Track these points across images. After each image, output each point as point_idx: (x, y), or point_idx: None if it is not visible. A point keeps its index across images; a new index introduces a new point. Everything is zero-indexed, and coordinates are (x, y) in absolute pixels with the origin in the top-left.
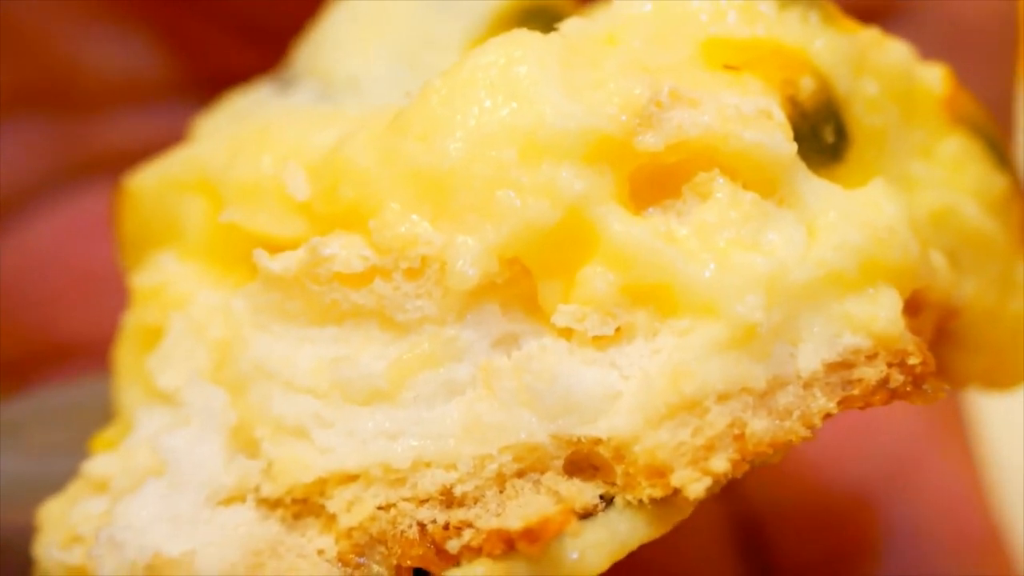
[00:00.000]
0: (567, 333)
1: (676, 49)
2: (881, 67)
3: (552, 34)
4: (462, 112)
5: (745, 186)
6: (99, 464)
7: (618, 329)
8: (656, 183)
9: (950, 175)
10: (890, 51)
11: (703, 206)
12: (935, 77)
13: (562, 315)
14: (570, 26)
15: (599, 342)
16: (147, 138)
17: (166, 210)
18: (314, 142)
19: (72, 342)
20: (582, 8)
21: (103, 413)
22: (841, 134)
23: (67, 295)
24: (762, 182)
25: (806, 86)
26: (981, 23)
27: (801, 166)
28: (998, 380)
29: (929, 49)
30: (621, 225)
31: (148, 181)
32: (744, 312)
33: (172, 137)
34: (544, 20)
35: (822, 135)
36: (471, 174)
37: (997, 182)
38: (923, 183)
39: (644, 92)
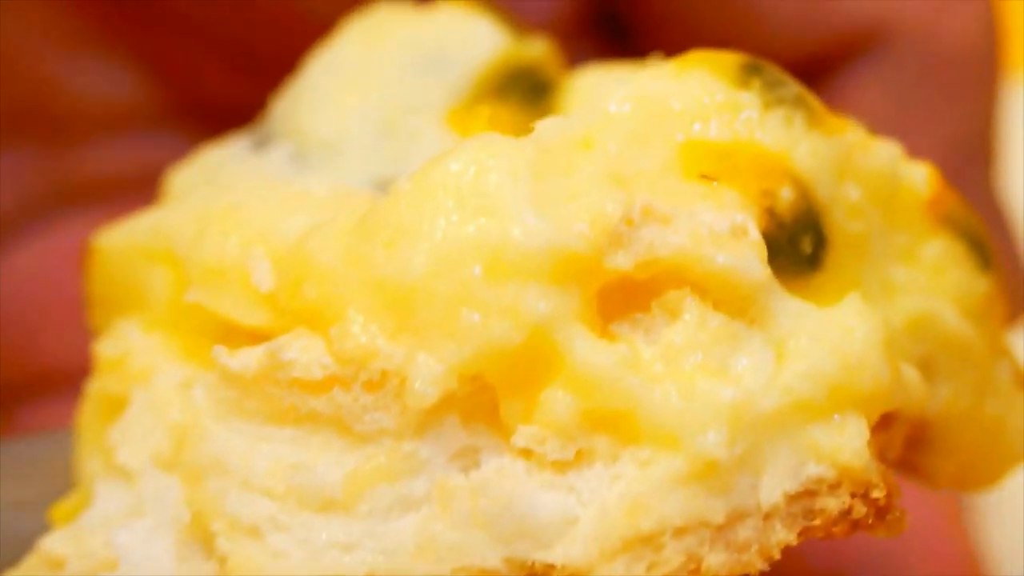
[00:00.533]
0: (527, 453)
1: (653, 153)
2: (865, 171)
3: (525, 139)
4: (429, 223)
5: (715, 306)
6: (55, 542)
7: (578, 452)
8: (625, 296)
9: (931, 279)
10: (875, 154)
11: (671, 327)
12: (920, 177)
13: (522, 436)
14: (546, 128)
15: (558, 465)
16: (133, 165)
17: (133, 276)
18: (282, 228)
19: (56, 369)
20: (565, 71)
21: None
22: (820, 243)
23: (51, 322)
24: (733, 302)
25: (785, 196)
26: (960, 54)
27: (774, 285)
28: (973, 481)
29: (907, 83)
30: (585, 350)
31: (116, 244)
32: (706, 447)
33: (157, 165)
34: (527, 86)
35: (800, 246)
36: (435, 290)
37: (978, 284)
38: (903, 289)
39: (616, 209)
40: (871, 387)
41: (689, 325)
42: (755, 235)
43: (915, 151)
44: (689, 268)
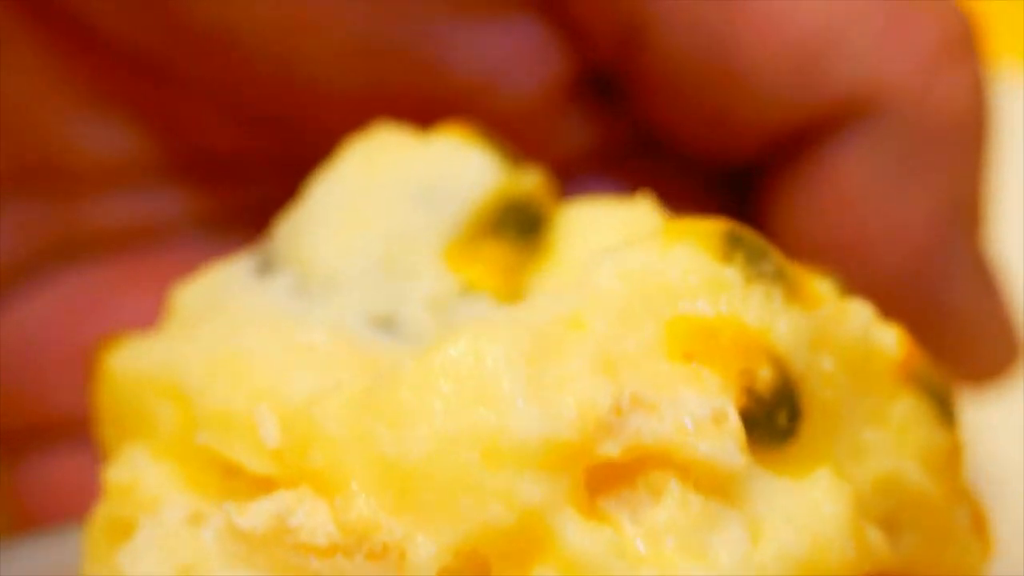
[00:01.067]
0: None
1: (641, 331)
2: (839, 341)
3: (521, 321)
4: (429, 408)
5: (696, 487)
6: None
7: None
8: (612, 473)
9: (898, 439)
10: (849, 322)
11: (655, 508)
12: (891, 340)
13: None
14: (539, 308)
15: None
16: (135, 219)
17: (142, 405)
18: (288, 384)
19: (60, 420)
20: (557, 203)
21: None
22: (795, 415)
23: (55, 373)
24: (713, 485)
25: (764, 375)
26: (950, 125)
27: (752, 467)
28: None
29: (895, 153)
30: (575, 533)
31: (127, 370)
32: None
33: (160, 218)
34: (520, 221)
35: (776, 420)
36: (434, 472)
37: (942, 439)
38: (872, 450)
39: (605, 400)
40: (837, 565)
41: (671, 507)
42: (735, 421)
43: (902, 221)
44: (673, 453)
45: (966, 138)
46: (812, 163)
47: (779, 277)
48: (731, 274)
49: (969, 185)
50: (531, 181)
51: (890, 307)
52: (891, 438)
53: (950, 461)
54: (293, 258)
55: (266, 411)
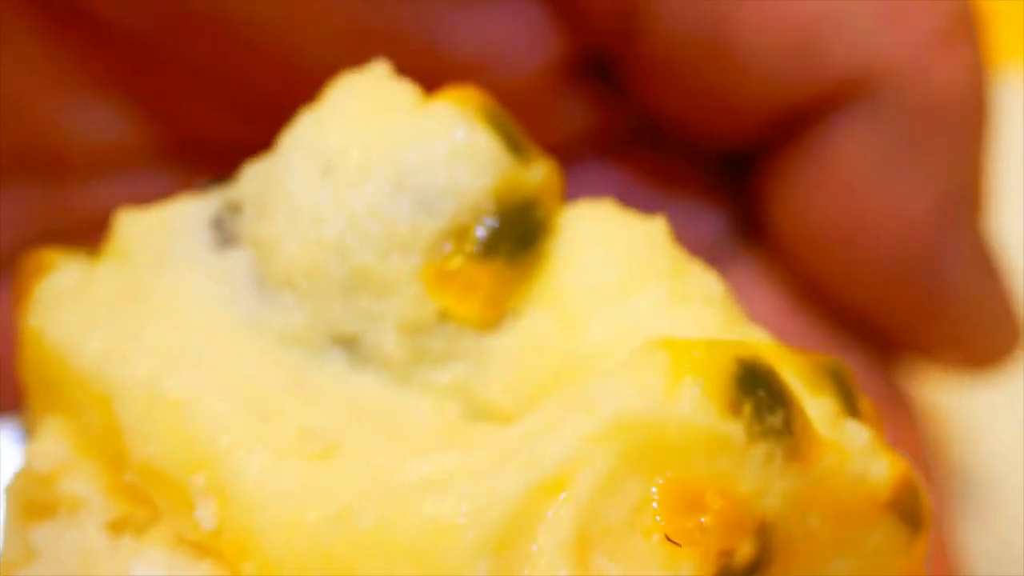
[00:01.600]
0: None
1: (627, 494)
2: (832, 497)
3: (498, 488)
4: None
5: None
6: None
7: None
8: None
9: (868, 563)
10: (847, 472)
11: None
12: (882, 477)
13: None
14: (516, 474)
15: None
16: (129, 203)
17: (69, 392)
18: (235, 461)
19: None
20: (560, 205)
21: None
22: (765, 570)
23: None
24: None
25: (743, 551)
26: (949, 105)
27: None
28: None
29: (894, 134)
30: None
31: (55, 344)
32: None
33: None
34: (518, 234)
35: None
36: None
37: (905, 560)
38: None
39: None
40: None
41: None
42: None
43: (902, 204)
44: None
45: (965, 121)
46: (812, 145)
47: (784, 433)
48: (735, 431)
49: (969, 168)
50: (536, 176)
51: (890, 291)
52: (862, 564)
53: (912, 562)
54: (255, 236)
55: (203, 488)
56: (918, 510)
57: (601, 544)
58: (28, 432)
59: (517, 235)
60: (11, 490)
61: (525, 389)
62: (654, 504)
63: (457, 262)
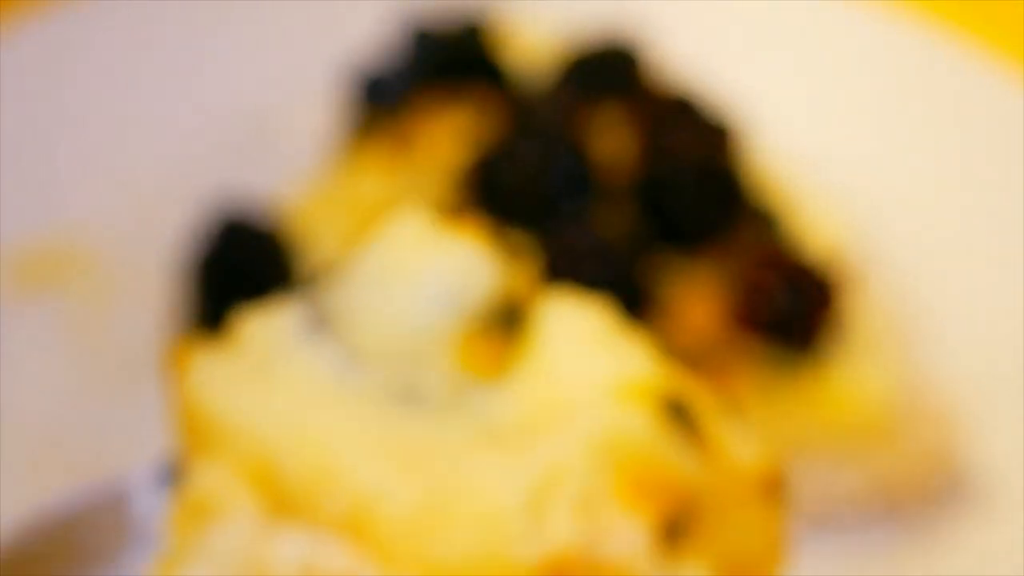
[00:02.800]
0: None
1: (604, 475)
2: (725, 471)
3: (527, 467)
4: (463, 531)
5: None
6: None
7: None
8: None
9: (748, 524)
10: (733, 460)
11: None
12: (755, 460)
13: None
14: (539, 454)
15: None
16: None
17: (225, 435)
18: (354, 473)
19: None
20: (537, 296)
21: None
22: (688, 527)
23: None
24: None
25: (675, 508)
26: None
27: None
28: None
29: None
30: None
31: (211, 398)
32: None
33: None
34: (507, 318)
35: (677, 531)
36: (463, 570)
37: (774, 519)
38: (730, 534)
39: (580, 538)
40: None
41: None
42: (651, 546)
43: None
44: (615, 566)
45: None
46: None
47: (694, 436)
48: (663, 434)
49: None
50: (520, 278)
51: None
52: (744, 523)
53: (775, 529)
54: (340, 330)
55: (335, 488)
56: (780, 483)
57: (594, 507)
58: (186, 470)
59: (510, 320)
60: (177, 505)
61: (526, 419)
62: (620, 482)
63: (473, 338)
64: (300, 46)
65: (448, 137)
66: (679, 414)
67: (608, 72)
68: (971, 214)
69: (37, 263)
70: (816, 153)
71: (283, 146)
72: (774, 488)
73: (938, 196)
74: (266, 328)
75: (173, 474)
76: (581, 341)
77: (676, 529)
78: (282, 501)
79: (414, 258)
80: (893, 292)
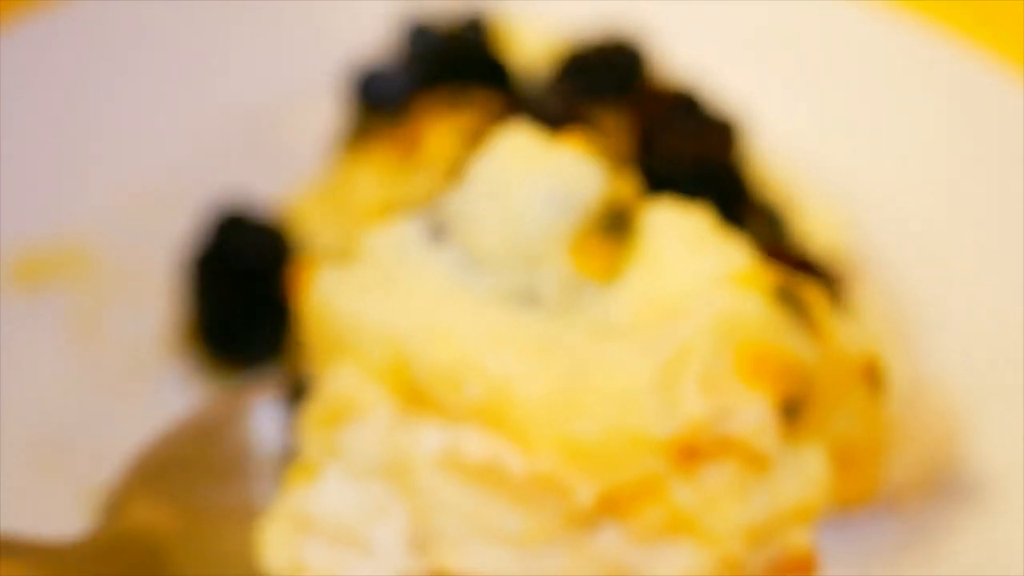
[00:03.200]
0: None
1: (725, 356)
2: (835, 359)
3: (655, 349)
4: (599, 406)
5: (744, 460)
6: (302, 501)
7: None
8: (701, 453)
9: (855, 413)
10: (841, 348)
11: (720, 472)
12: (863, 353)
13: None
14: (664, 338)
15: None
16: None
17: (355, 341)
18: (487, 362)
19: None
20: (641, 202)
21: None
22: (804, 407)
23: None
24: (756, 460)
25: (792, 388)
26: None
27: (777, 449)
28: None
29: None
30: (675, 487)
31: (340, 308)
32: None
33: None
34: (617, 222)
35: (794, 414)
36: (597, 450)
37: (877, 410)
38: (839, 420)
39: (707, 413)
40: (821, 500)
41: (733, 471)
42: (774, 422)
43: None
44: (738, 442)
45: None
46: None
47: (805, 321)
48: (779, 318)
49: None
50: (625, 185)
51: None
52: (851, 412)
53: (877, 416)
54: (458, 234)
55: (471, 377)
56: (883, 379)
57: (717, 385)
58: (314, 376)
59: (618, 224)
60: (311, 412)
61: (642, 312)
62: (740, 361)
63: (584, 239)
64: (300, 46)
65: (448, 137)
66: (790, 300)
67: (608, 71)
68: (971, 213)
69: (37, 263)
70: (816, 151)
71: (283, 146)
72: (877, 376)
73: (938, 195)
74: (388, 240)
75: (299, 389)
76: (688, 240)
77: (793, 409)
78: (416, 396)
79: (526, 167)
80: (893, 291)
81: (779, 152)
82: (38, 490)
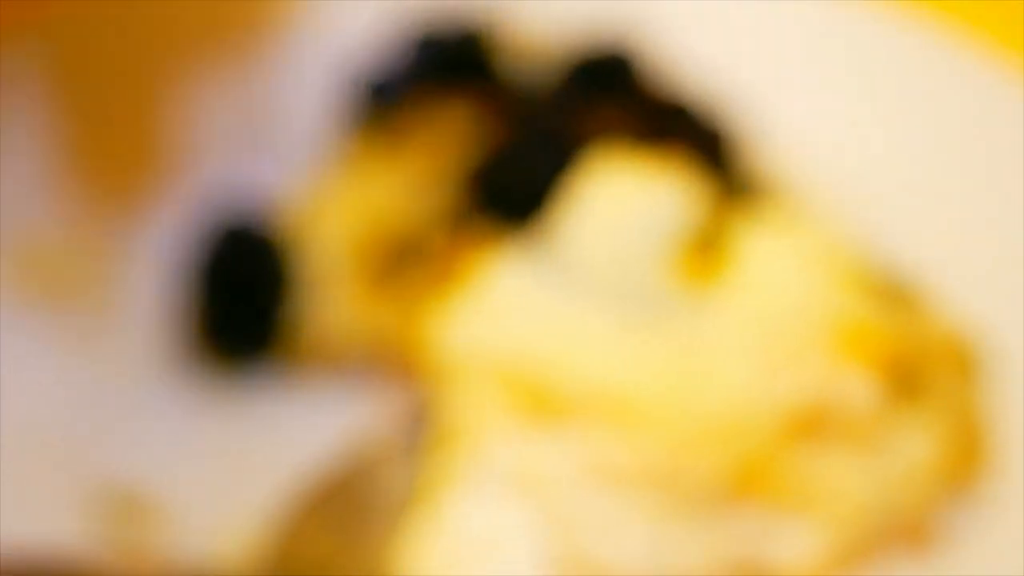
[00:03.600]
0: None
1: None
2: (933, 341)
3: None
4: (699, 403)
5: (853, 432)
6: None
7: None
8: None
9: (958, 398)
10: (935, 329)
11: (828, 446)
12: (964, 342)
13: None
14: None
15: None
16: None
17: (486, 367)
18: (599, 370)
19: None
20: (733, 224)
21: None
22: (907, 387)
23: None
24: (861, 431)
25: (896, 368)
26: None
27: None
28: None
29: None
30: (785, 461)
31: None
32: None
33: None
34: (709, 241)
35: (898, 391)
36: (704, 436)
37: (978, 398)
38: (943, 404)
39: (815, 389)
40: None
41: (846, 448)
42: (881, 400)
43: None
44: (850, 419)
45: None
46: None
47: (906, 309)
48: (881, 306)
49: None
50: (716, 208)
51: None
52: (954, 398)
53: (977, 397)
54: (565, 264)
55: (587, 386)
56: (978, 371)
57: (819, 363)
58: (438, 406)
59: (713, 240)
60: (438, 439)
61: (747, 318)
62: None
63: (686, 259)
64: (300, 46)
65: (448, 138)
66: (890, 292)
67: (608, 74)
68: (971, 213)
69: (38, 263)
70: (816, 155)
71: (283, 147)
72: (975, 365)
73: (938, 195)
74: (496, 271)
75: (421, 424)
76: (785, 255)
77: (902, 387)
78: (540, 411)
79: (623, 192)
80: None
81: (778, 155)
82: (38, 490)
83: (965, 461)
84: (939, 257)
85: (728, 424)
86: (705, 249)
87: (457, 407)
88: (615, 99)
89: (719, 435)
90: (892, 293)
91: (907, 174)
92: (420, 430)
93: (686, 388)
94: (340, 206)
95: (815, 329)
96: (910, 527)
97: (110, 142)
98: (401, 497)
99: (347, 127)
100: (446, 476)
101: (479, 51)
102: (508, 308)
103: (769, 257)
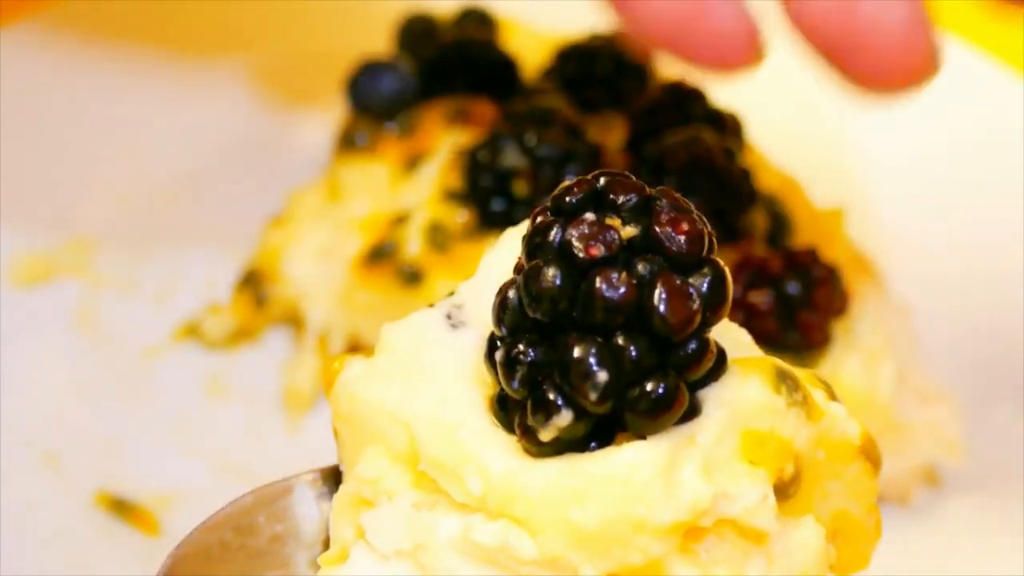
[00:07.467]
0: None
1: (728, 442)
2: (829, 440)
3: (660, 444)
4: (603, 498)
5: (744, 536)
6: None
7: None
8: (700, 532)
9: (848, 488)
10: (836, 427)
11: (719, 548)
12: (856, 432)
13: None
14: (671, 436)
15: None
16: None
17: (378, 424)
18: (488, 458)
19: None
20: None
21: None
22: (798, 485)
23: None
24: (754, 535)
25: (788, 470)
26: None
27: (776, 522)
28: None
29: None
30: (677, 567)
31: (363, 394)
32: None
33: None
34: None
35: (789, 490)
36: (602, 535)
37: (872, 485)
38: (833, 495)
39: (708, 498)
40: (815, 570)
41: (731, 547)
42: (772, 501)
43: None
44: (737, 521)
45: None
46: None
47: (803, 403)
48: (779, 402)
49: None
50: None
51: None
52: (845, 488)
53: (871, 494)
54: (475, 322)
55: (472, 472)
56: (876, 455)
57: (718, 470)
58: (344, 463)
59: None
60: (340, 496)
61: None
62: (742, 444)
63: None
64: (300, 48)
65: (447, 139)
66: (788, 381)
67: (607, 72)
68: (972, 213)
69: (38, 263)
70: (817, 150)
71: (282, 150)
72: (871, 457)
73: (938, 195)
74: (409, 328)
75: (334, 476)
76: None
77: (789, 487)
78: (431, 483)
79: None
80: (893, 289)
81: (776, 151)
82: (39, 490)
83: (850, 556)
84: (938, 257)
85: (616, 526)
86: None
87: (364, 467)
88: (615, 96)
89: (605, 537)
90: (794, 385)
91: (906, 173)
92: (332, 486)
93: (576, 487)
94: (338, 205)
95: (719, 431)
96: None
97: None
98: (293, 552)
99: (347, 130)
100: (345, 533)
101: (479, 51)
102: (417, 373)
103: None
